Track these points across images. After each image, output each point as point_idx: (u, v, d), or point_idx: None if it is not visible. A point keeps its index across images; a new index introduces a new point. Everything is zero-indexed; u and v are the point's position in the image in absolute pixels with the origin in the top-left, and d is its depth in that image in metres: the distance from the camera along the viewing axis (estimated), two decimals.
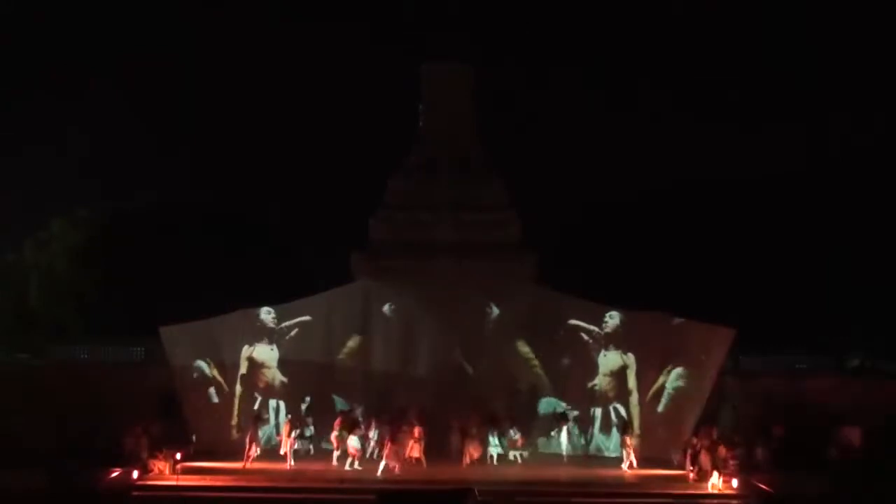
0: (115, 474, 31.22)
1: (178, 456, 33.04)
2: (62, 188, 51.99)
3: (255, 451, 34.77)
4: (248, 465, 34.17)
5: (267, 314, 38.90)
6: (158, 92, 59.81)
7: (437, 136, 42.62)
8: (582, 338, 38.14)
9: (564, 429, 36.55)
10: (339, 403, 38.07)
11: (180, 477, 32.09)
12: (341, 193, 54.41)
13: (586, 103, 59.71)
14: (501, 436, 35.73)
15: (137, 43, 61.15)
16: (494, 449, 35.49)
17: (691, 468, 32.85)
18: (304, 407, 37.86)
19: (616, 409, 37.53)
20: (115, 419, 34.33)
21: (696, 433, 34.38)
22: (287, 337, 38.73)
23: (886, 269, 45.14)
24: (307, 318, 38.83)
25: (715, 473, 31.47)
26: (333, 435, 35.37)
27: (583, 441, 37.56)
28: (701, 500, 30.59)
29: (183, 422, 36.88)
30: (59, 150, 55.08)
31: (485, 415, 36.41)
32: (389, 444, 33.23)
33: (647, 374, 37.20)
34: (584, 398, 37.97)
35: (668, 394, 36.94)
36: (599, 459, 36.54)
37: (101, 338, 41.66)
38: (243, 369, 38.35)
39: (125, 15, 61.29)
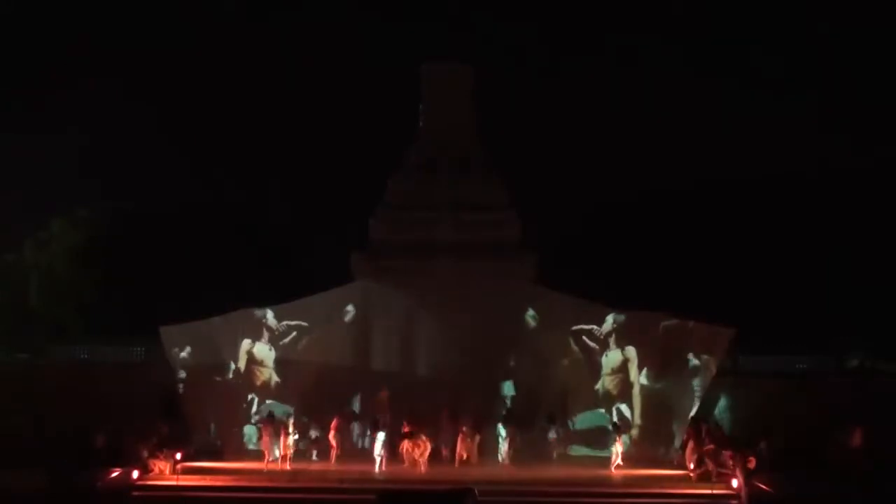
0: (115, 474, 31.22)
1: (178, 456, 33.06)
2: (62, 188, 51.94)
3: (278, 452, 34.56)
4: (269, 468, 33.99)
5: (267, 314, 38.94)
6: (159, 91, 59.83)
7: (437, 136, 42.62)
8: (585, 341, 38.23)
9: (618, 439, 35.45)
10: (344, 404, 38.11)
11: (180, 477, 32.10)
12: (341, 193, 54.40)
13: (586, 103, 59.70)
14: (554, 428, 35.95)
15: (138, 42, 61.24)
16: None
17: (692, 468, 32.88)
18: (293, 411, 37.61)
19: (619, 410, 37.58)
20: (115, 419, 34.29)
21: (695, 433, 34.39)
22: (287, 339, 38.75)
23: (886, 269, 45.13)
24: (304, 323, 38.84)
25: (714, 474, 31.51)
26: (332, 435, 35.44)
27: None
28: (701, 500, 30.60)
29: (183, 422, 36.88)
30: (59, 150, 55.03)
31: (478, 415, 36.34)
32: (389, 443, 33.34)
33: (647, 373, 37.21)
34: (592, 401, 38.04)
35: (668, 394, 36.99)
36: (600, 459, 36.50)
37: (101, 338, 41.64)
38: (241, 363, 38.39)
39: (126, 13, 61.40)
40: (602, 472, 33.98)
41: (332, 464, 34.93)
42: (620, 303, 38.17)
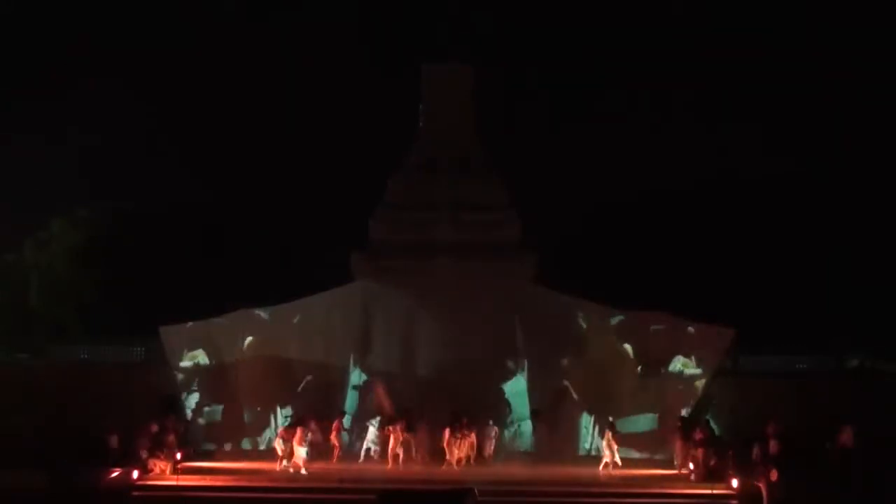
0: (115, 474, 31.23)
1: (178, 456, 33.06)
2: (62, 188, 51.91)
3: (300, 454, 34.03)
4: (288, 469, 33.72)
5: (267, 314, 38.95)
6: (159, 91, 59.75)
7: (437, 136, 42.63)
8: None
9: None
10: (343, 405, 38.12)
11: (180, 477, 32.13)
12: (341, 193, 54.35)
13: (586, 103, 59.63)
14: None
15: (138, 42, 61.16)
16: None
17: (691, 468, 32.89)
18: (291, 413, 37.62)
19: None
20: (115, 419, 34.30)
21: (695, 433, 34.40)
22: (285, 339, 38.78)
23: (886, 269, 45.16)
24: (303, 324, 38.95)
25: (714, 473, 31.53)
26: (333, 436, 35.46)
27: None
28: (700, 500, 30.61)
29: (183, 421, 36.89)
30: (59, 151, 55.01)
31: (478, 415, 36.38)
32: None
33: (647, 373, 37.25)
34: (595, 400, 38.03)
35: (667, 393, 37.01)
36: (598, 460, 36.51)
37: (101, 338, 41.69)
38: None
39: (126, 13, 61.31)
40: (603, 471, 34.04)
41: (334, 463, 34.94)
42: (620, 303, 38.19)
